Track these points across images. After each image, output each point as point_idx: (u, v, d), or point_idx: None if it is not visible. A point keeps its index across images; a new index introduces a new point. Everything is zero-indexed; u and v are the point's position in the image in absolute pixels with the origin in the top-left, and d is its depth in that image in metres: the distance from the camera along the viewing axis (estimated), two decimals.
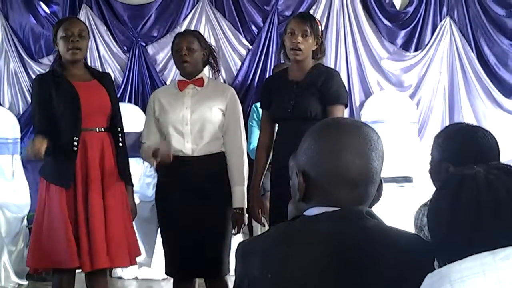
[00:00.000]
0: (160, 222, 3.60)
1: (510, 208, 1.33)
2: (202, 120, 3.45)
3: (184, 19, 6.10)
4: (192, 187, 3.40)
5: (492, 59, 6.09)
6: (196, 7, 6.11)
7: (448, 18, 6.12)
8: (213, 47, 3.71)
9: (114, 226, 3.44)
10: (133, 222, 3.66)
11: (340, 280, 1.39)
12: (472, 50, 6.10)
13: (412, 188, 5.21)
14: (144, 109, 5.59)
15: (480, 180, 1.37)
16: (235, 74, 6.10)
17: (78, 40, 3.41)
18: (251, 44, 6.11)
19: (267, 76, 5.67)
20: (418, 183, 5.25)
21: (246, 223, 3.57)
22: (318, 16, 5.87)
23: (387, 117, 5.93)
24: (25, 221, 5.36)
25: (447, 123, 5.56)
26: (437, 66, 6.12)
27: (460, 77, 6.10)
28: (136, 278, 5.36)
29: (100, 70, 5.93)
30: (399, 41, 6.17)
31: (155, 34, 6.18)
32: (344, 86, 3.52)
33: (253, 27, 6.14)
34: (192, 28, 5.90)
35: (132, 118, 5.57)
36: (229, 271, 3.49)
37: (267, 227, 4.56)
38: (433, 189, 1.58)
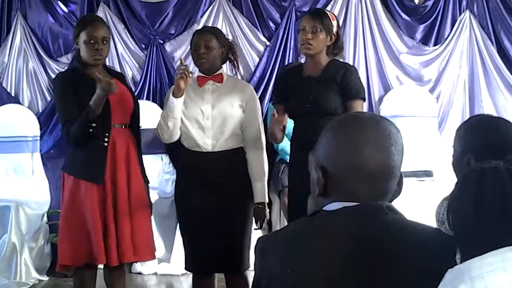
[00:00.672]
0: (180, 218, 3.61)
1: None
2: (223, 115, 3.46)
3: (202, 16, 6.09)
4: (211, 183, 3.41)
5: None
6: (213, 4, 6.10)
7: (467, 12, 6.05)
8: (233, 43, 3.70)
9: (138, 221, 3.48)
10: (152, 218, 3.68)
11: (361, 275, 1.38)
12: (492, 44, 6.03)
13: (433, 183, 5.17)
14: (161, 106, 5.62)
15: (502, 172, 1.35)
16: (253, 70, 6.09)
17: (102, 48, 3.43)
18: (268, 41, 6.09)
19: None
20: (438, 178, 5.21)
21: (268, 218, 3.57)
22: (335, 11, 5.84)
23: (407, 112, 5.89)
24: (45, 218, 5.40)
25: (467, 117, 5.50)
26: (457, 60, 6.06)
27: (480, 71, 6.03)
28: (155, 274, 5.38)
29: (116, 69, 5.99)
30: (418, 35, 6.12)
31: (172, 32, 6.18)
32: (361, 81, 3.55)
33: (271, 24, 6.12)
34: (210, 25, 5.89)
35: (150, 115, 5.58)
36: (249, 266, 3.49)
37: (285, 222, 4.56)
38: (453, 182, 1.56)
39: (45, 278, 5.17)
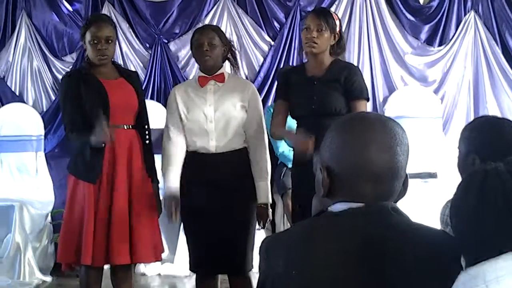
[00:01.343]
0: (184, 218, 3.60)
1: None
2: (226, 117, 3.44)
3: (206, 15, 6.10)
4: (215, 183, 3.40)
5: None
6: (218, 3, 6.10)
7: (472, 12, 6.05)
8: (232, 43, 3.69)
9: (140, 223, 3.47)
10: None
11: (366, 276, 1.37)
12: (497, 44, 6.02)
13: (437, 184, 5.16)
14: (166, 106, 5.62)
15: (503, 173, 1.34)
16: (257, 70, 6.09)
17: (106, 48, 3.42)
18: (273, 40, 6.09)
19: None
20: (442, 179, 5.20)
21: (271, 218, 3.56)
22: (340, 11, 5.85)
23: (411, 112, 5.89)
24: (49, 218, 5.40)
25: (472, 118, 5.49)
26: (462, 61, 6.06)
27: (485, 72, 6.03)
28: (159, 275, 5.38)
29: (128, 68, 5.99)
30: (423, 35, 6.11)
31: (177, 31, 6.19)
32: (365, 81, 3.53)
33: (275, 23, 6.12)
34: (214, 24, 5.90)
35: (155, 115, 5.57)
36: (252, 267, 3.49)
37: (289, 225, 4.56)
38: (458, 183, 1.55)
39: (49, 278, 5.17)
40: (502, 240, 1.30)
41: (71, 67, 6.03)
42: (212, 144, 3.44)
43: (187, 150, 3.52)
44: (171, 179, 3.49)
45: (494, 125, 2.18)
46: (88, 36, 3.41)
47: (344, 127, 1.52)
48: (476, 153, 2.08)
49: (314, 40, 3.34)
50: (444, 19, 6.08)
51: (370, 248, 1.38)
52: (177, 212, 3.47)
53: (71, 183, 3.47)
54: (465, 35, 6.05)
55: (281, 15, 6.11)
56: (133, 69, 6.03)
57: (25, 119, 5.94)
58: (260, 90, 5.87)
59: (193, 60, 5.95)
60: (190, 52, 3.66)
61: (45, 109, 6.16)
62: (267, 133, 3.60)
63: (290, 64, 5.87)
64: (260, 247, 1.55)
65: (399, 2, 6.04)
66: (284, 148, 4.97)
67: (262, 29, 6.10)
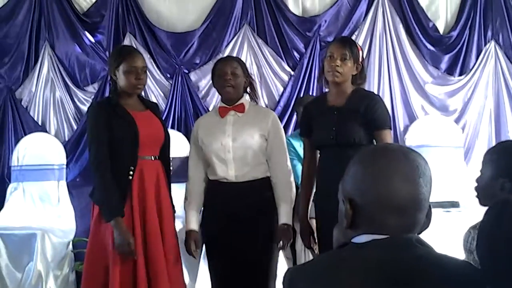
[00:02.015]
0: (206, 248, 3.60)
1: None
2: (244, 147, 3.44)
3: (227, 46, 6.14)
4: (236, 213, 3.39)
5: None
6: (238, 34, 6.15)
7: (493, 42, 6.05)
8: (253, 77, 3.70)
9: (171, 253, 3.45)
10: None
11: None
12: None
13: (459, 213, 5.11)
14: (186, 135, 5.66)
15: None
16: (277, 100, 6.11)
17: (142, 77, 3.46)
18: (293, 70, 6.12)
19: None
20: (465, 208, 5.16)
21: (292, 240, 3.51)
22: (360, 42, 5.87)
23: (432, 142, 5.86)
24: (70, 246, 5.42)
25: None
26: (483, 90, 6.04)
27: (507, 101, 6.00)
28: None
29: (150, 100, 6.03)
30: (443, 65, 6.11)
31: (197, 61, 6.23)
32: (387, 109, 3.46)
33: (295, 53, 6.15)
34: (234, 54, 5.95)
35: (175, 144, 5.60)
36: None
37: (310, 254, 4.53)
38: (480, 212, 1.54)
39: None
40: None
41: (92, 97, 6.09)
42: (231, 173, 3.44)
43: (209, 179, 3.53)
44: (192, 221, 3.51)
45: None
46: (124, 67, 3.41)
47: (367, 159, 1.52)
48: (505, 176, 2.06)
49: (338, 69, 3.30)
50: (464, 49, 6.07)
51: (396, 281, 1.37)
52: (197, 252, 3.46)
53: (96, 211, 3.40)
54: (486, 65, 6.04)
55: (300, 45, 6.14)
56: (154, 99, 6.09)
57: (47, 149, 5.99)
58: (280, 119, 5.85)
59: (213, 90, 5.99)
60: (211, 82, 3.67)
61: (67, 139, 6.22)
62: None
63: (310, 94, 5.88)
64: (284, 277, 1.55)
65: (419, 32, 6.05)
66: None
67: (282, 59, 6.13)
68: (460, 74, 6.07)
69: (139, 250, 3.32)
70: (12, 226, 5.42)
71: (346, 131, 3.30)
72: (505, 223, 1.36)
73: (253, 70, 6.09)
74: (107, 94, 5.43)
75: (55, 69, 6.28)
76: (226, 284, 3.45)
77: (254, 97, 3.65)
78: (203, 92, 6.20)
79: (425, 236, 1.50)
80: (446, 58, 6.09)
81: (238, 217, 3.38)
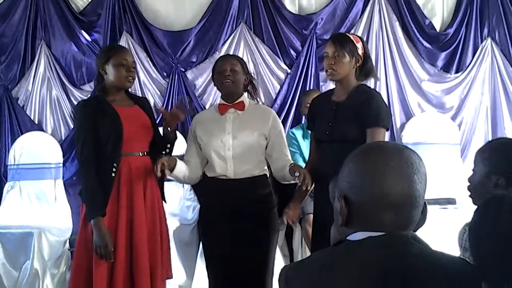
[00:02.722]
0: (204, 245, 3.60)
1: None
2: (244, 145, 3.45)
3: (223, 44, 6.14)
4: (234, 210, 3.40)
5: None
6: (234, 32, 6.14)
7: (489, 39, 6.05)
8: (253, 75, 3.71)
9: (158, 247, 3.45)
10: (174, 245, 3.64)
11: None
12: None
13: (456, 210, 5.12)
14: (183, 133, 5.65)
15: None
16: (274, 98, 6.11)
17: (132, 71, 3.48)
18: (289, 68, 6.12)
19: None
20: (461, 205, 5.17)
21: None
22: None
23: (429, 139, 5.87)
24: (67, 245, 5.41)
25: None
26: (479, 87, 6.05)
27: (503, 98, 6.01)
28: None
29: (139, 95, 6.02)
30: (440, 63, 6.11)
31: (194, 60, 6.23)
32: (386, 108, 3.37)
33: (292, 51, 6.15)
34: (231, 53, 5.95)
35: None
36: None
37: (307, 252, 4.53)
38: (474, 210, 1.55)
39: None
40: None
41: (89, 95, 6.09)
42: (231, 170, 3.45)
43: (207, 176, 3.53)
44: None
45: None
46: (115, 60, 3.41)
47: (361, 157, 1.52)
48: (500, 174, 2.06)
49: (332, 67, 3.30)
50: (460, 46, 6.07)
51: (392, 277, 1.38)
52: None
53: (84, 210, 3.41)
54: (482, 62, 6.04)
55: (297, 43, 6.14)
56: (150, 97, 6.10)
57: (44, 148, 5.98)
58: None
59: (210, 88, 6.01)
60: (207, 80, 3.68)
61: (63, 138, 6.22)
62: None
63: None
64: (280, 275, 1.55)
65: (415, 30, 6.05)
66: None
67: (279, 57, 6.13)
68: (457, 72, 6.08)
69: (122, 249, 3.33)
70: (9, 224, 5.42)
71: (341, 127, 3.29)
72: (489, 220, 1.36)
73: (249, 68, 6.08)
74: None
75: (51, 68, 6.28)
76: (223, 281, 3.46)
77: (254, 95, 3.65)
78: (199, 91, 6.19)
79: (421, 233, 1.50)
80: (443, 55, 6.10)
81: (236, 213, 3.39)
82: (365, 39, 5.99)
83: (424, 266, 1.40)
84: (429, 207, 1.54)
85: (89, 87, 6.22)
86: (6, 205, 5.77)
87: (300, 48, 6.12)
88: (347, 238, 1.49)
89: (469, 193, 2.25)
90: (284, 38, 6.13)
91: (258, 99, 3.70)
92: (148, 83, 6.19)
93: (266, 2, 6.11)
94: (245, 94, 3.62)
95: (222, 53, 5.90)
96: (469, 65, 6.05)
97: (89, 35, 6.29)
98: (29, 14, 6.28)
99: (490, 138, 5.91)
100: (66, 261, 5.35)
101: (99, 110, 3.39)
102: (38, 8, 6.30)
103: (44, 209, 5.73)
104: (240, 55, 6.01)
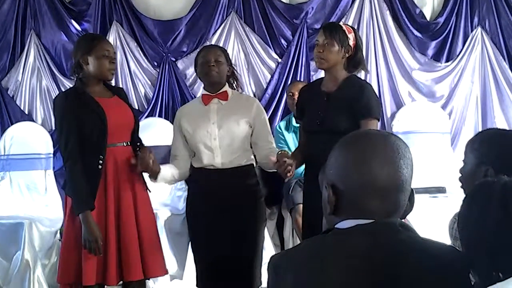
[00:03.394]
0: (191, 236, 3.61)
1: None
2: (230, 134, 3.45)
3: (214, 33, 6.13)
4: (222, 200, 3.41)
5: None
6: (225, 21, 6.13)
7: (479, 28, 6.06)
8: (235, 68, 3.70)
9: (147, 237, 3.45)
10: (165, 235, 3.64)
11: None
12: (505, 60, 6.03)
13: (446, 199, 5.14)
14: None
15: (509, 189, 1.34)
16: (265, 87, 6.11)
17: (114, 62, 3.46)
18: (280, 58, 6.11)
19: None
20: (451, 194, 5.19)
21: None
22: None
23: (419, 128, 5.88)
24: (58, 235, 5.40)
25: None
26: (469, 76, 6.07)
27: (493, 87, 6.03)
28: None
29: (129, 87, 6.01)
30: (430, 51, 6.12)
31: (184, 49, 6.22)
32: (377, 99, 3.42)
33: (282, 41, 6.14)
34: (222, 42, 5.95)
35: (163, 132, 5.61)
36: (260, 284, 3.48)
37: (298, 241, 4.55)
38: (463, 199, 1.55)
39: None
40: (508, 255, 1.30)
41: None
42: (218, 160, 3.45)
43: (194, 167, 3.54)
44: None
45: (504, 136, 2.18)
46: (98, 51, 3.38)
47: (347, 145, 1.53)
48: (490, 164, 2.07)
49: (321, 56, 3.31)
50: (451, 35, 6.09)
51: (381, 265, 1.38)
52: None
53: (70, 203, 3.39)
54: (472, 51, 6.06)
55: (288, 33, 6.13)
56: (141, 87, 6.10)
57: (34, 138, 5.96)
58: (267, 107, 5.89)
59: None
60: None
61: (53, 128, 6.18)
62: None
63: (298, 80, 5.87)
64: (269, 264, 1.56)
65: (405, 19, 6.06)
66: None
67: (269, 47, 6.12)
68: (447, 61, 6.09)
69: (112, 239, 3.33)
70: None
71: (332, 118, 3.29)
72: (478, 207, 1.37)
73: (240, 57, 6.09)
74: None
75: (41, 58, 6.25)
76: (211, 271, 3.47)
77: (237, 86, 3.65)
78: (190, 80, 6.19)
79: (412, 221, 1.50)
80: (433, 44, 6.11)
81: (222, 203, 3.40)
82: (355, 27, 6.01)
83: (412, 253, 1.40)
84: (419, 196, 1.55)
85: None
86: None
87: (291, 38, 6.11)
88: (336, 226, 1.49)
89: (460, 184, 2.26)
90: (275, 28, 6.12)
91: (240, 89, 3.69)
92: (139, 73, 6.17)
93: None
94: (227, 84, 3.61)
95: (212, 43, 5.89)
96: (459, 54, 6.07)
97: (79, 24, 6.26)
98: (18, 4, 6.25)
99: (480, 127, 5.95)
100: (57, 252, 5.33)
101: (80, 102, 3.35)
102: None
103: (35, 199, 5.71)
104: (230, 44, 6.01)
